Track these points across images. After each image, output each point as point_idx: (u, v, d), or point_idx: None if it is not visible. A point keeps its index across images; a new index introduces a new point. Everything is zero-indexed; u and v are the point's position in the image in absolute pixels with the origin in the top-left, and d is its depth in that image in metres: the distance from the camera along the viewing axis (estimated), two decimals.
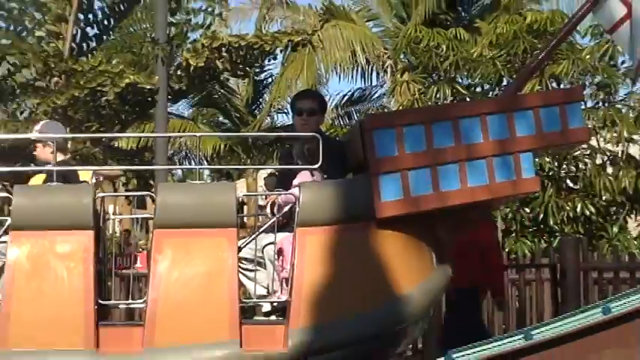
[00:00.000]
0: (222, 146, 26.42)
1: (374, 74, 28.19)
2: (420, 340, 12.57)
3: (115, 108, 20.15)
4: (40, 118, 19.16)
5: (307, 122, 9.77)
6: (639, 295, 9.63)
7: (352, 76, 28.78)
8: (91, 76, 19.64)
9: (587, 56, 18.62)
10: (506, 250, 16.99)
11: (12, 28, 21.80)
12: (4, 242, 8.60)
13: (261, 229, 9.14)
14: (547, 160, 17.17)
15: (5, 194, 9.07)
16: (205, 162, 28.26)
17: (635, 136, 18.22)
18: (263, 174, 23.23)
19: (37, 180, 9.47)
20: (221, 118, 28.82)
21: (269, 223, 9.06)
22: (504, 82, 18.71)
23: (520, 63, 18.58)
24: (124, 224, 17.66)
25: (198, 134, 24.07)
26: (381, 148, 8.65)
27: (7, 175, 11.44)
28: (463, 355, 9.51)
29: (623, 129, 17.86)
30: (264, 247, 9.01)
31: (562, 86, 17.54)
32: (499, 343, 9.65)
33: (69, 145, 11.97)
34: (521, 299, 14.96)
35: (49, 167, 9.67)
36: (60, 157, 10.08)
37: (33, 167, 10.22)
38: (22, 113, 21.15)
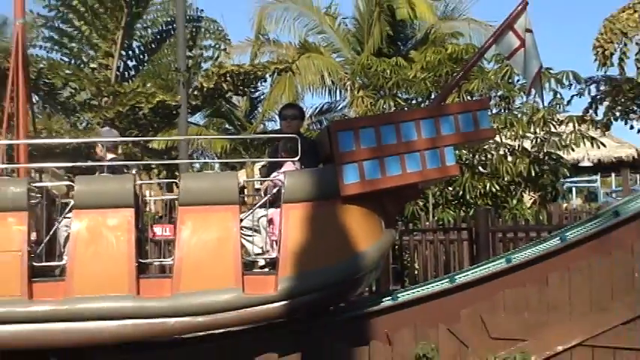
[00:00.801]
0: (228, 146, 26.27)
1: (338, 92, 28.12)
2: (373, 284, 12.50)
3: (149, 119, 20.13)
4: (94, 128, 19.18)
5: (290, 125, 9.77)
6: (531, 249, 9.71)
7: (322, 94, 28.72)
8: (131, 96, 19.65)
9: (492, 76, 18.61)
10: (436, 218, 16.99)
11: (73, 61, 21.80)
12: (69, 218, 8.59)
13: (257, 205, 9.16)
14: (464, 152, 17.14)
15: (69, 182, 9.04)
16: (215, 157, 28.19)
17: (528, 134, 18.23)
18: (258, 165, 23.13)
19: None
20: (227, 126, 28.59)
21: (262, 200, 9.08)
22: (432, 96, 18.66)
23: (443, 82, 18.57)
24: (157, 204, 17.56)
25: (210, 137, 23.99)
26: (343, 145, 8.64)
27: (70, 169, 11.35)
28: (405, 294, 9.55)
29: (519, 129, 17.86)
30: (259, 219, 9.02)
31: (474, 98, 17.48)
32: (432, 285, 9.71)
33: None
34: (447, 253, 14.98)
35: (101, 162, 9.67)
36: (112, 155, 10.06)
37: (89, 163, 10.15)
38: (81, 124, 21.11)
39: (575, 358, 8.49)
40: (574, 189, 30.33)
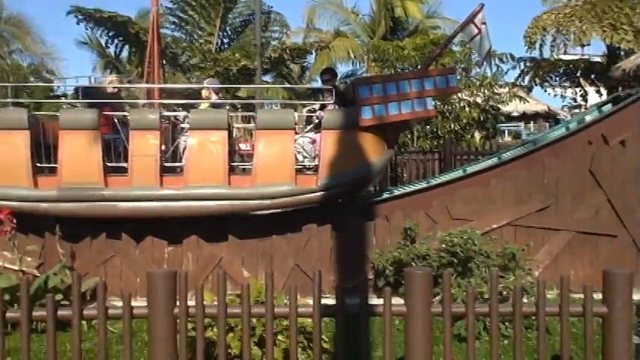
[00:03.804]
0: (285, 94, 25.91)
1: (358, 63, 27.54)
2: (377, 184, 12.50)
3: (237, 76, 20.03)
4: (201, 82, 19.10)
5: (329, 81, 9.53)
6: (478, 164, 9.64)
7: (348, 64, 28.21)
8: (225, 61, 19.52)
9: (458, 54, 18.27)
10: (418, 145, 16.86)
11: (188, 38, 21.69)
12: (186, 135, 8.62)
13: (305, 131, 9.10)
14: (438, 102, 16.81)
15: (186, 113, 9.03)
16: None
17: (479, 93, 17.82)
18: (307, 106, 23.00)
19: (203, 106, 9.35)
20: (286, 83, 28.25)
21: (310, 127, 9.04)
22: (419, 66, 18.30)
23: (426, 57, 18.17)
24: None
25: (275, 86, 23.83)
26: (361, 94, 8.54)
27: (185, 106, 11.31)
28: (398, 191, 9.54)
29: (473, 89, 17.57)
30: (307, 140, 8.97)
31: (446, 67, 17.12)
32: (415, 185, 9.70)
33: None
34: (425, 168, 14.95)
35: (207, 101, 9.62)
36: (215, 96, 10.01)
37: (199, 101, 10.07)
38: (192, 79, 21.04)
39: (504, 233, 8.53)
40: (506, 130, 29.95)
